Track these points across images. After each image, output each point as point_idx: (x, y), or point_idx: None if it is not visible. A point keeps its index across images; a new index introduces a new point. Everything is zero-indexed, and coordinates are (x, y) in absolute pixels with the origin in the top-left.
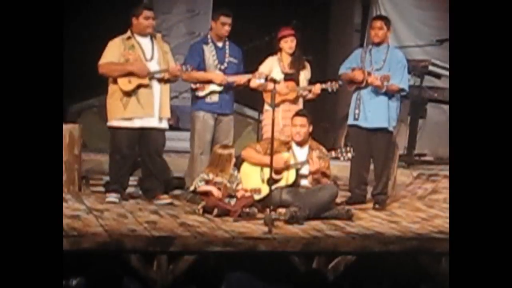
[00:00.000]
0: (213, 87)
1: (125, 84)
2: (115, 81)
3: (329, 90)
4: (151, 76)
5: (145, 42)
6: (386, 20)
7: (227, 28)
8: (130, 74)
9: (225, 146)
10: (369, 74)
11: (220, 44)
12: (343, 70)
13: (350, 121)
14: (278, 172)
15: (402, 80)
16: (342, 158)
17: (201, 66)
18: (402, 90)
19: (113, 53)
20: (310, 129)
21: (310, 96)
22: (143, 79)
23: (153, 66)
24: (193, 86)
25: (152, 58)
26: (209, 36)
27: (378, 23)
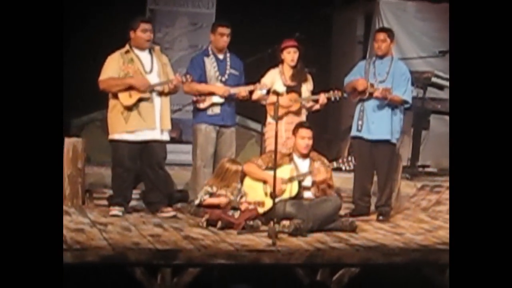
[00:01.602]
0: (215, 99)
1: (126, 98)
2: (115, 96)
3: (332, 99)
4: (151, 88)
5: (144, 55)
6: (389, 32)
7: (225, 39)
8: (130, 88)
9: (234, 162)
10: (372, 86)
11: (221, 56)
12: (347, 82)
13: (353, 132)
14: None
15: (405, 93)
16: (344, 168)
17: (203, 78)
18: (406, 102)
19: (112, 67)
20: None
21: (317, 107)
22: (144, 93)
23: (153, 79)
24: (194, 98)
25: (151, 70)
26: (209, 49)
27: (382, 36)
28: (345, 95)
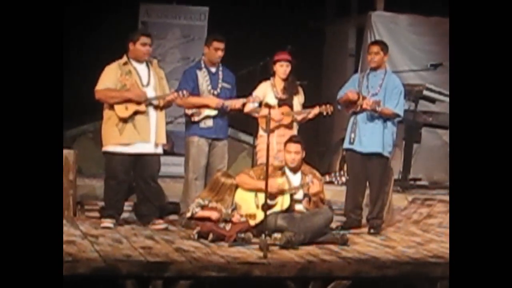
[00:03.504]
0: (208, 112)
1: (122, 110)
2: (110, 107)
3: (324, 113)
4: (148, 102)
5: (142, 67)
6: (383, 45)
7: (220, 53)
8: (127, 101)
9: (228, 176)
10: (364, 98)
11: (213, 70)
12: (341, 94)
13: (346, 145)
14: (273, 197)
15: (397, 106)
16: (336, 182)
17: (195, 91)
18: (397, 115)
19: (109, 78)
20: (304, 154)
21: (310, 116)
22: (140, 106)
23: (149, 92)
24: (187, 112)
25: (148, 84)
26: (202, 61)
27: (375, 48)
28: (339, 107)
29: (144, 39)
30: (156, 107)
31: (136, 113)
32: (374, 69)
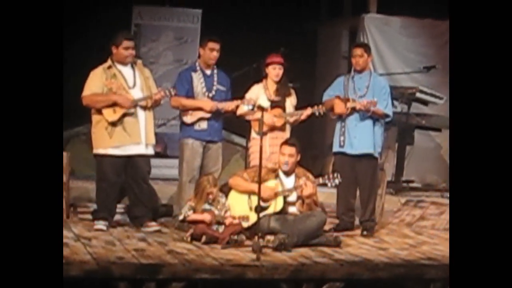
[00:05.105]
0: (202, 114)
1: (110, 114)
2: (98, 111)
3: (316, 113)
4: (135, 103)
5: (126, 70)
6: (366, 47)
7: (215, 54)
8: (114, 104)
9: (206, 174)
10: (353, 101)
11: (208, 72)
12: (326, 97)
13: (336, 148)
14: (266, 200)
15: (387, 106)
16: (329, 184)
17: (190, 93)
18: (387, 115)
19: (95, 83)
20: (298, 157)
21: (303, 117)
22: (128, 109)
23: (136, 93)
24: (183, 113)
25: (134, 85)
26: (197, 64)
27: (359, 51)
28: (324, 109)
29: (126, 43)
30: (145, 108)
31: (124, 115)
32: (359, 71)
